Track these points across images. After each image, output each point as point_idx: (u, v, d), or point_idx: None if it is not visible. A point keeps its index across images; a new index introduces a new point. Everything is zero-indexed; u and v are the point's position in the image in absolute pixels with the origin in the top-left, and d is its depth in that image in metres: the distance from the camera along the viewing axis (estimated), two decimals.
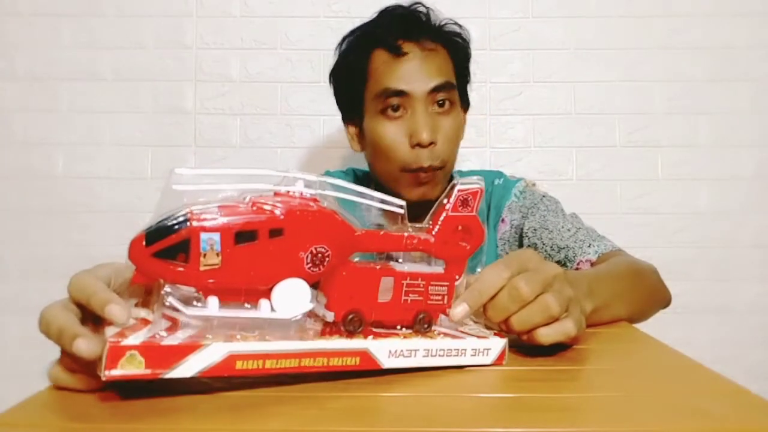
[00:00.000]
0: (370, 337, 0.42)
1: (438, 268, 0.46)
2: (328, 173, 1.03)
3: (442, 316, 0.47)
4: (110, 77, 1.38)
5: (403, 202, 0.44)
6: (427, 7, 0.92)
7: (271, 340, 0.38)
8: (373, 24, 0.91)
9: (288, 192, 0.40)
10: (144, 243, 0.36)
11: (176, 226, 0.36)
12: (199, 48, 1.39)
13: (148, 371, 0.34)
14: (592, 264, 0.83)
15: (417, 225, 0.45)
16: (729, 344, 1.36)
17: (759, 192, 1.38)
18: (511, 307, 0.46)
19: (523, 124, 1.39)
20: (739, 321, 1.37)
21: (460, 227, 0.46)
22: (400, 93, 0.86)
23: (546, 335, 0.46)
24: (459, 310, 0.46)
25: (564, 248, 0.86)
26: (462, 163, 1.36)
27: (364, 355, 0.41)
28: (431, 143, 0.85)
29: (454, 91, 0.90)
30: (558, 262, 0.87)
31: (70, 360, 0.37)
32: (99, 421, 0.34)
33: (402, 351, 0.43)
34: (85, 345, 0.34)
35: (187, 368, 0.35)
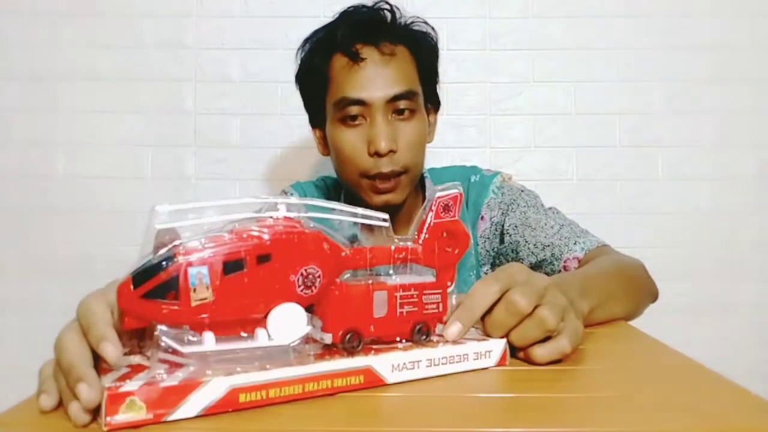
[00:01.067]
0: (371, 353, 0.42)
1: (428, 277, 0.46)
2: (297, 184, 1.03)
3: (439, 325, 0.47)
4: (110, 77, 1.38)
5: (386, 215, 0.44)
6: (391, 6, 0.88)
7: (272, 368, 0.38)
8: (332, 27, 0.89)
9: (270, 217, 0.40)
10: (132, 286, 0.35)
11: (163, 264, 0.35)
12: (199, 48, 1.39)
13: (150, 415, 0.34)
14: (579, 261, 0.82)
15: (402, 237, 0.45)
16: (729, 344, 1.36)
17: (759, 192, 1.38)
18: (510, 322, 0.46)
19: (523, 124, 1.39)
20: (739, 321, 1.37)
21: (444, 233, 0.47)
22: (359, 102, 0.84)
23: (541, 355, 0.46)
24: (453, 329, 0.45)
25: (549, 246, 0.85)
26: (463, 163, 1.36)
27: (368, 372, 0.41)
28: (390, 151, 0.84)
29: (416, 98, 0.87)
30: (543, 260, 0.86)
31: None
32: (100, 417, 0.34)
33: (405, 364, 0.42)
34: (86, 392, 0.33)
35: (189, 408, 0.35)
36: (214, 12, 1.39)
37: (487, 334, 0.47)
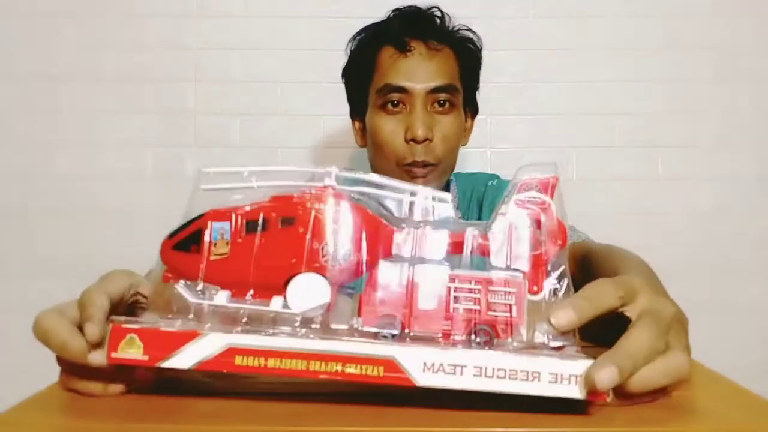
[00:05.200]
0: (404, 342, 0.36)
1: (500, 273, 0.37)
2: None
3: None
4: (110, 77, 1.38)
5: (449, 195, 0.39)
6: (442, 12, 0.93)
7: (280, 335, 0.35)
8: (384, 22, 0.93)
9: (318, 187, 0.38)
10: (168, 237, 0.37)
11: (193, 219, 0.37)
12: (199, 48, 1.39)
13: (147, 357, 0.34)
14: None
15: (477, 222, 0.39)
16: (729, 344, 1.35)
17: (759, 192, 1.38)
18: (664, 383, 0.36)
19: (523, 124, 1.39)
20: (739, 321, 1.36)
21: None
22: (401, 89, 0.87)
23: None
24: (563, 315, 0.35)
25: None
26: (462, 163, 1.36)
27: (390, 364, 0.34)
28: (426, 140, 0.86)
29: (457, 94, 0.91)
30: None
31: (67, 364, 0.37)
32: (99, 421, 0.34)
33: (442, 365, 0.34)
34: (75, 344, 0.35)
35: (184, 358, 0.34)
36: (214, 12, 1.39)
37: (628, 391, 0.35)
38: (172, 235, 0.37)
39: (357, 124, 0.99)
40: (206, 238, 0.37)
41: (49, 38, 1.38)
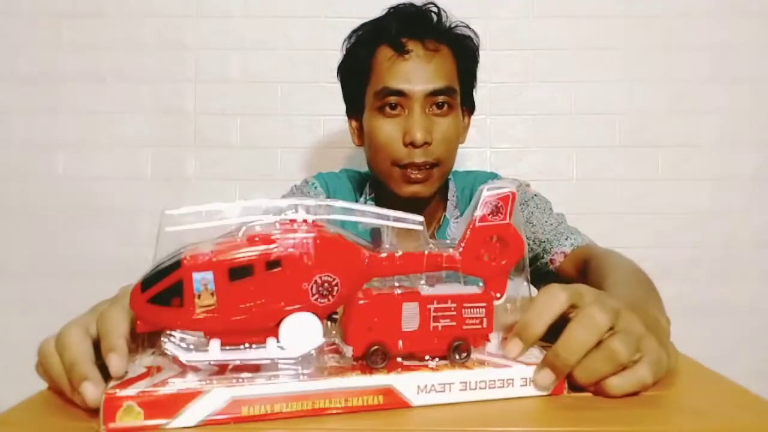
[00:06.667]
0: (397, 371, 0.38)
1: (472, 288, 0.42)
2: (320, 175, 1.04)
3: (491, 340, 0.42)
4: (110, 77, 1.38)
5: (421, 218, 0.40)
6: (439, 8, 0.92)
7: (280, 381, 0.36)
8: (381, 21, 0.91)
9: (291, 220, 0.37)
10: (140, 290, 0.35)
11: (168, 269, 0.35)
12: (199, 48, 1.39)
13: (148, 422, 0.33)
14: (566, 255, 0.85)
15: (444, 241, 0.42)
16: (729, 344, 1.36)
17: (759, 192, 1.38)
18: (608, 370, 0.39)
19: (523, 124, 1.39)
20: (739, 321, 1.37)
21: (493, 238, 0.42)
22: (399, 92, 0.86)
23: (618, 386, 0.39)
24: (511, 347, 0.41)
25: (544, 241, 0.88)
26: (462, 163, 1.36)
27: (389, 392, 0.37)
28: (425, 143, 0.85)
29: (455, 95, 0.90)
30: (537, 255, 0.89)
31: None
32: (99, 421, 0.34)
33: (434, 386, 0.38)
34: (92, 391, 0.34)
35: (189, 417, 0.34)
36: (214, 12, 1.39)
37: (577, 383, 0.40)
38: (145, 287, 0.35)
39: (353, 123, 0.98)
40: (190, 290, 0.34)
41: (50, 38, 1.38)
